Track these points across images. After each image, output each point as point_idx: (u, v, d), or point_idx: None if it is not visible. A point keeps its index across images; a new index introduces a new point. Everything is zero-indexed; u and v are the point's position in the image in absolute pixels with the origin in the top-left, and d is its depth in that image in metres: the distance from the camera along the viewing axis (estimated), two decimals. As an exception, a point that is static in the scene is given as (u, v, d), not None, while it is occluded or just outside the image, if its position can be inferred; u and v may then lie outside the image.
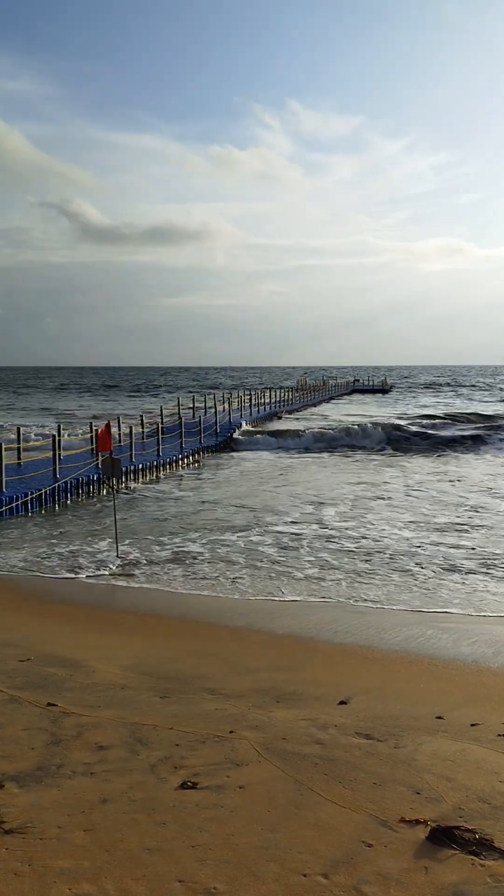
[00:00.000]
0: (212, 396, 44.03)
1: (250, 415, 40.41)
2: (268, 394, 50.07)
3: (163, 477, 23.09)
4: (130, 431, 23.39)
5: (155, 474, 23.25)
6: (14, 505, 16.54)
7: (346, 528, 15.01)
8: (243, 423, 35.75)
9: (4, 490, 16.92)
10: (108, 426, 14.88)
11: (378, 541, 13.89)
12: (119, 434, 24.40)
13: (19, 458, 20.54)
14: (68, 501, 18.55)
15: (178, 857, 3.14)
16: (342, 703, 5.75)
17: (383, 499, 18.97)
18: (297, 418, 46.27)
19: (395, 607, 9.99)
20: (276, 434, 33.82)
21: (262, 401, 47.55)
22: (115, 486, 17.20)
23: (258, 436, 33.28)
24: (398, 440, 33.70)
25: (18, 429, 24.08)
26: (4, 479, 17.07)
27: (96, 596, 10.75)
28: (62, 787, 3.84)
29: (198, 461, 26.92)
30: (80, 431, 30.93)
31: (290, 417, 46.61)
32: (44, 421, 45.91)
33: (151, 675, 6.50)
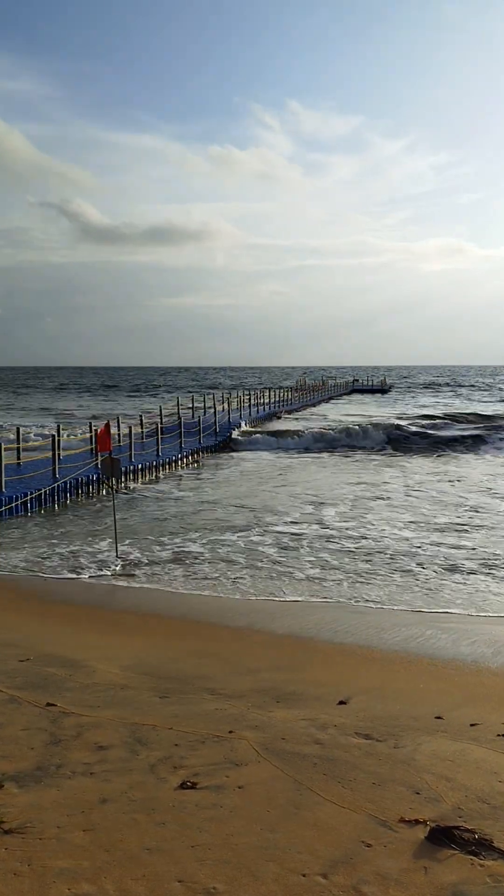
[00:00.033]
0: (211, 396, 44.03)
1: (250, 415, 40.41)
2: (267, 394, 50.06)
3: (162, 477, 23.09)
4: (130, 431, 23.39)
5: (154, 474, 23.25)
6: (14, 505, 16.54)
7: (347, 529, 15.01)
8: (243, 424, 35.76)
9: (4, 490, 16.92)
10: (107, 426, 14.88)
11: (378, 541, 13.90)
12: (119, 434, 24.40)
13: (19, 458, 20.54)
14: (68, 501, 18.55)
15: (177, 857, 3.14)
16: (342, 703, 5.75)
17: (383, 499, 18.97)
18: (297, 418, 46.27)
19: (395, 607, 9.99)
20: (275, 434, 33.82)
21: (262, 401, 47.55)
22: (114, 486, 17.20)
23: (258, 436, 33.28)
24: (398, 440, 33.71)
25: (18, 429, 24.07)
26: (4, 479, 17.07)
27: (97, 596, 10.75)
28: (62, 787, 3.84)
29: (197, 461, 26.92)
30: (80, 432, 30.94)
31: (289, 417, 46.61)
32: (43, 421, 45.91)
33: (151, 675, 6.50)
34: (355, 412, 53.11)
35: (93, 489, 19.78)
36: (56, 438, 20.19)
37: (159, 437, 25.43)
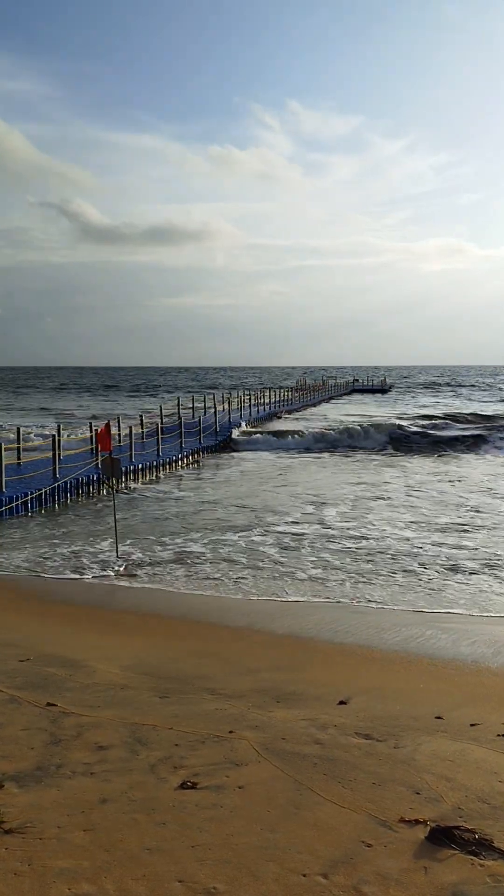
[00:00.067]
0: (211, 396, 44.01)
1: (250, 415, 40.42)
2: (267, 394, 50.06)
3: (162, 477, 23.09)
4: (130, 431, 23.39)
5: (155, 474, 23.25)
6: (14, 505, 16.54)
7: (348, 529, 15.02)
8: (243, 424, 35.76)
9: (4, 490, 16.93)
10: (107, 426, 14.88)
11: (380, 541, 13.90)
12: (119, 434, 24.40)
13: (19, 458, 20.54)
14: (68, 501, 18.55)
15: (177, 857, 3.14)
16: (342, 703, 5.75)
17: (384, 499, 18.97)
18: (297, 418, 46.26)
19: (396, 607, 9.99)
20: (275, 434, 33.82)
21: (262, 401, 47.55)
22: (114, 486, 17.20)
23: (258, 436, 33.29)
24: (398, 440, 33.71)
25: (18, 429, 24.08)
26: (4, 478, 17.08)
27: (97, 596, 10.75)
28: (62, 787, 3.84)
29: (197, 461, 26.92)
30: (80, 432, 30.94)
31: (289, 417, 46.61)
32: (43, 421, 45.92)
33: (152, 675, 6.50)
34: (355, 412, 53.11)
35: (93, 489, 19.78)
36: (56, 438, 20.19)
37: (159, 437, 25.44)
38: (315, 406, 59.66)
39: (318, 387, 74.48)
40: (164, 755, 4.28)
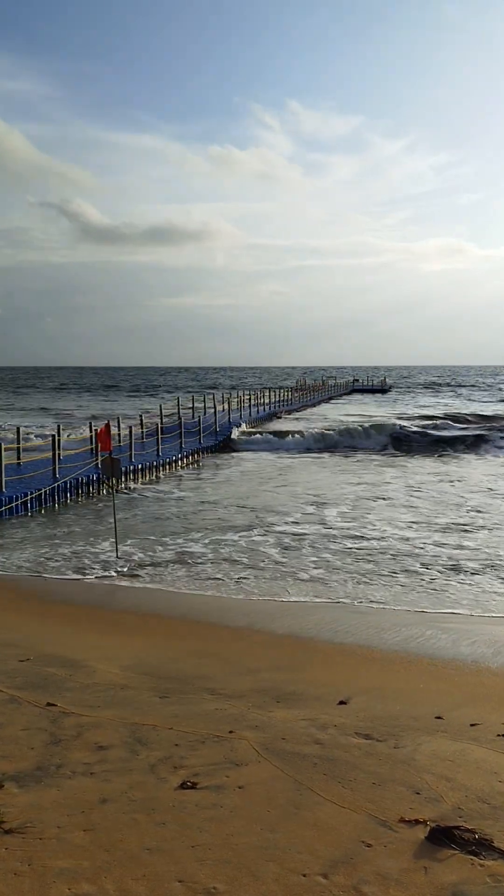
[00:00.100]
0: (211, 396, 43.99)
1: (250, 415, 40.42)
2: (267, 394, 50.06)
3: (162, 477, 23.09)
4: (130, 431, 23.39)
5: (154, 474, 23.25)
6: (14, 505, 16.54)
7: (349, 529, 15.02)
8: (243, 424, 35.76)
9: (4, 490, 16.93)
10: (107, 426, 14.89)
11: (381, 541, 13.90)
12: (119, 434, 24.41)
13: (19, 458, 20.54)
14: (68, 501, 18.55)
15: (177, 857, 3.14)
16: (342, 703, 5.75)
17: (384, 499, 18.97)
18: (297, 418, 46.27)
19: (396, 607, 9.99)
20: (275, 434, 33.82)
21: (262, 401, 47.55)
22: (114, 486, 17.20)
23: (258, 436, 33.29)
24: (398, 440, 33.71)
25: (18, 429, 24.08)
26: (4, 478, 17.08)
27: (97, 596, 10.75)
28: (62, 787, 3.84)
29: (197, 461, 26.93)
30: (79, 432, 30.94)
31: (289, 417, 46.62)
32: (43, 421, 45.92)
33: (152, 675, 6.50)
34: (355, 412, 53.11)
35: (93, 489, 19.78)
36: (56, 438, 20.20)
37: (159, 437, 25.44)
38: (315, 406, 59.66)
39: (318, 387, 74.49)
40: (164, 755, 4.28)
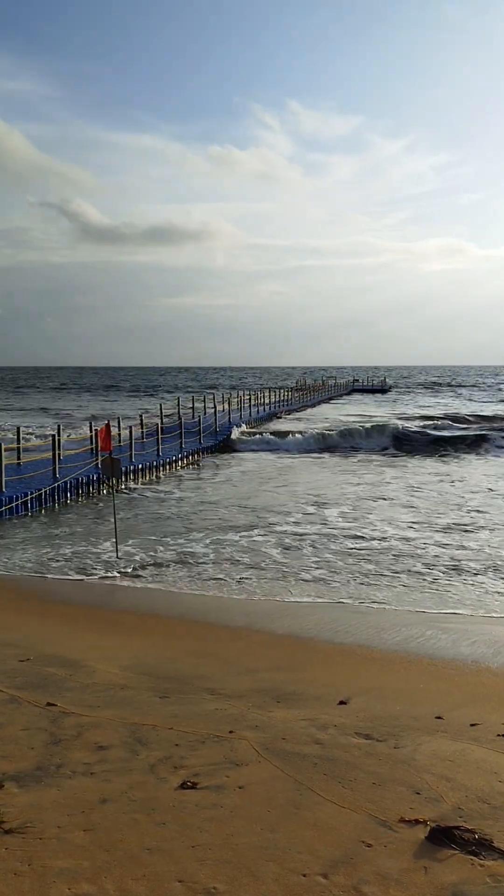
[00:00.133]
0: (211, 397, 43.96)
1: (250, 415, 40.42)
2: (267, 394, 50.06)
3: (162, 477, 23.09)
4: (130, 431, 23.39)
5: (155, 474, 23.25)
6: (14, 505, 16.54)
7: (350, 529, 15.02)
8: (243, 424, 35.76)
9: (4, 490, 16.93)
10: (107, 426, 14.89)
11: (382, 541, 13.90)
12: (119, 434, 24.41)
13: (19, 458, 20.54)
14: (68, 501, 18.55)
15: (177, 857, 3.14)
16: (342, 703, 5.75)
17: (385, 499, 18.97)
18: (297, 419, 46.28)
19: (396, 607, 9.98)
20: (275, 434, 33.82)
21: (262, 401, 47.55)
22: (114, 486, 17.20)
23: (258, 436, 33.28)
24: (398, 441, 33.71)
25: (18, 429, 24.09)
26: (4, 478, 17.08)
27: (96, 596, 10.75)
28: (62, 787, 3.84)
29: (197, 461, 26.93)
30: (79, 432, 30.93)
31: (289, 418, 46.62)
32: (43, 421, 45.93)
33: (151, 675, 6.50)
34: (356, 412, 53.12)
35: (93, 489, 19.78)
36: (56, 438, 20.20)
37: (159, 437, 25.44)
38: (315, 406, 59.67)
39: (318, 387, 74.49)
40: (164, 755, 4.28)
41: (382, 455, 30.43)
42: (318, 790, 3.81)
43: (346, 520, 16.03)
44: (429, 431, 36.32)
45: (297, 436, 33.49)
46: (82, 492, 19.39)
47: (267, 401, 48.18)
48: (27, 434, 30.91)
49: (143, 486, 21.16)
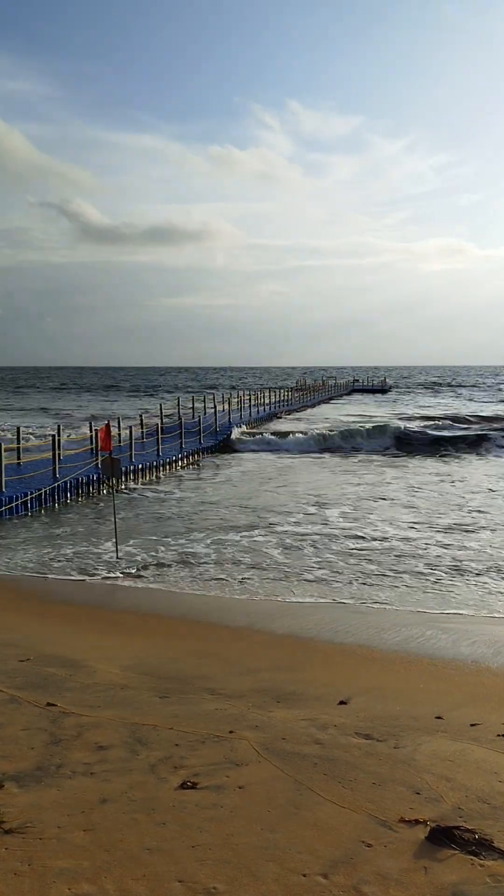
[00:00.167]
0: (211, 397, 43.94)
1: (250, 415, 40.42)
2: (267, 394, 50.06)
3: (162, 477, 23.09)
4: (130, 431, 23.40)
5: (155, 474, 23.25)
6: (14, 505, 16.55)
7: (351, 529, 15.01)
8: (243, 424, 35.76)
9: (4, 490, 16.93)
10: (107, 426, 14.89)
11: (384, 542, 13.90)
12: (119, 434, 24.41)
13: (19, 458, 20.55)
14: (68, 501, 18.56)
15: (177, 857, 3.14)
16: (342, 703, 5.75)
17: (386, 500, 18.97)
18: (297, 419, 46.28)
19: (397, 608, 9.98)
20: (276, 434, 33.82)
21: (262, 401, 47.55)
22: (114, 486, 17.20)
23: (258, 436, 33.28)
24: (399, 441, 33.71)
25: (18, 429, 24.09)
26: (4, 478, 17.08)
27: (97, 596, 10.75)
28: (62, 787, 3.84)
29: (197, 461, 26.93)
30: (78, 432, 30.92)
31: (289, 418, 46.62)
32: (42, 421, 45.93)
33: (152, 675, 6.50)
34: (356, 412, 53.12)
35: (93, 489, 19.79)
36: (56, 438, 20.21)
37: (159, 437, 25.44)
38: (315, 406, 59.67)
39: (318, 387, 74.49)
40: (164, 755, 4.28)
41: (383, 455, 30.43)
42: (318, 790, 3.81)
43: (347, 520, 16.03)
44: (429, 431, 36.32)
45: (298, 436, 33.48)
46: (82, 492, 19.39)
47: (267, 401, 48.18)
48: (27, 434, 30.90)
49: (143, 486, 21.16)
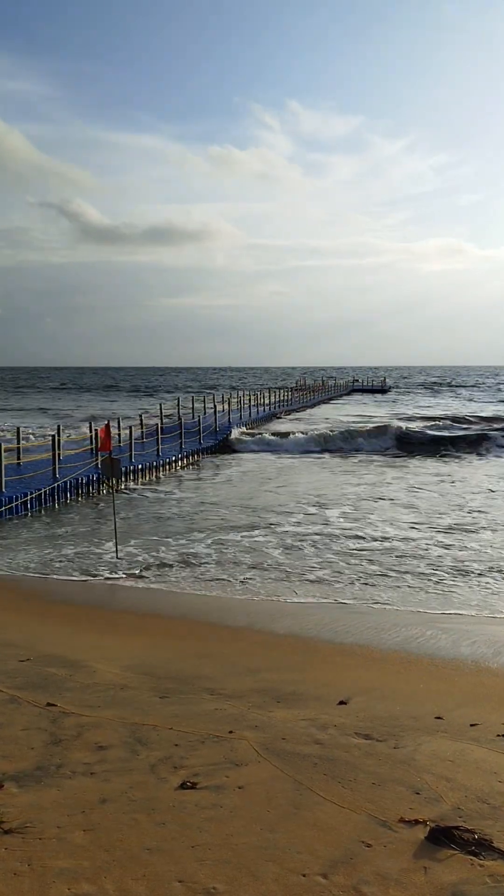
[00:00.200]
0: (211, 397, 43.93)
1: (250, 415, 40.43)
2: (267, 394, 50.07)
3: (163, 477, 23.09)
4: (130, 432, 23.40)
5: (155, 475, 23.25)
6: (14, 505, 16.55)
7: (352, 529, 15.02)
8: (243, 424, 35.76)
9: (4, 490, 16.93)
10: (107, 426, 14.90)
11: (385, 542, 13.90)
12: (119, 434, 24.41)
13: (19, 459, 20.55)
14: (68, 501, 18.56)
15: (177, 857, 3.14)
16: (342, 703, 5.75)
17: (386, 500, 18.97)
18: (297, 419, 46.28)
19: (397, 608, 9.98)
20: (276, 435, 33.83)
21: (262, 401, 47.56)
22: (114, 487, 17.20)
23: (258, 436, 33.28)
24: (399, 441, 33.71)
25: (18, 429, 24.09)
26: (4, 478, 17.08)
27: (97, 596, 10.76)
28: (62, 787, 3.84)
29: (197, 462, 26.93)
30: (78, 433, 30.91)
31: (289, 418, 46.63)
32: (42, 421, 45.92)
33: (151, 675, 6.50)
34: (356, 413, 53.13)
35: (93, 489, 19.79)
36: (56, 438, 20.21)
37: (159, 437, 25.44)
38: (315, 407, 59.68)
39: (318, 387, 74.50)
40: (164, 755, 4.28)
41: (383, 455, 30.43)
42: (318, 790, 3.81)
43: (348, 520, 16.03)
44: (429, 432, 36.32)
45: (298, 436, 33.48)
46: (82, 492, 19.39)
47: (267, 401, 48.19)
48: (26, 434, 30.89)
49: (143, 487, 21.16)
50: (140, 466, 22.57)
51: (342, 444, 32.94)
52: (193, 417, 32.68)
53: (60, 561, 12.64)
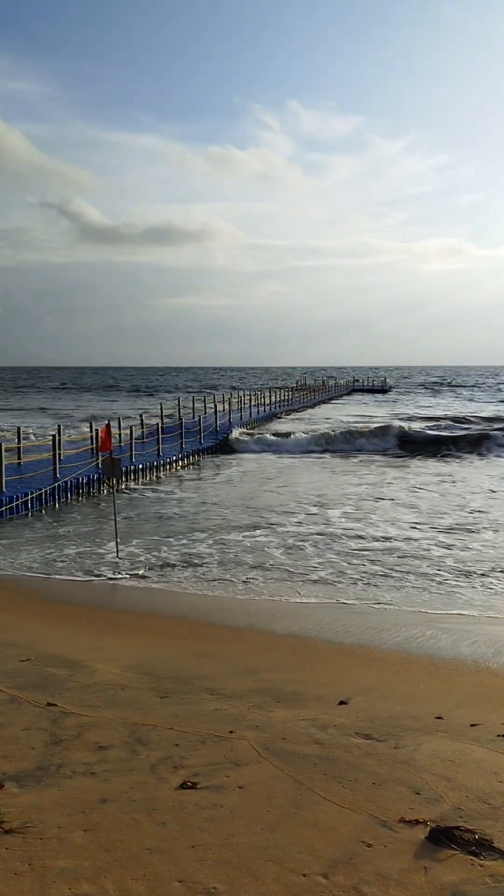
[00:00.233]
0: (211, 397, 43.94)
1: (250, 415, 40.42)
2: (267, 394, 50.06)
3: (163, 477, 23.09)
4: (130, 431, 23.40)
5: (155, 475, 23.25)
6: (14, 505, 16.55)
7: (353, 529, 15.01)
8: (243, 424, 35.76)
9: (4, 490, 16.93)
10: (108, 426, 14.90)
11: (386, 542, 13.89)
12: (119, 434, 24.41)
13: (19, 458, 20.56)
14: (69, 501, 18.56)
15: (177, 857, 3.14)
16: (342, 703, 5.75)
17: (388, 500, 18.96)
18: (298, 419, 46.27)
19: (397, 608, 9.98)
20: (276, 435, 33.82)
21: (262, 401, 47.56)
22: (115, 486, 17.20)
23: (258, 436, 33.27)
24: (400, 441, 33.69)
25: (18, 429, 24.08)
26: (4, 478, 17.08)
27: (97, 596, 10.76)
28: (62, 787, 3.85)
29: (198, 462, 26.93)
30: (79, 432, 30.91)
31: (289, 418, 46.62)
32: (42, 421, 45.92)
33: (152, 675, 6.50)
34: (356, 413, 53.13)
35: (93, 489, 19.79)
36: (56, 438, 20.21)
37: (160, 437, 25.44)
38: (315, 407, 59.67)
39: (319, 387, 74.49)
40: (164, 755, 4.28)
41: (384, 455, 30.42)
42: (318, 790, 3.81)
43: (349, 520, 16.03)
44: (430, 432, 36.31)
45: (298, 436, 33.48)
46: (83, 492, 19.39)
47: (267, 401, 48.18)
48: (26, 434, 30.89)
49: (143, 487, 21.16)
50: (140, 466, 22.57)
51: (343, 444, 32.93)
52: (194, 417, 32.68)
53: (63, 561, 12.64)
